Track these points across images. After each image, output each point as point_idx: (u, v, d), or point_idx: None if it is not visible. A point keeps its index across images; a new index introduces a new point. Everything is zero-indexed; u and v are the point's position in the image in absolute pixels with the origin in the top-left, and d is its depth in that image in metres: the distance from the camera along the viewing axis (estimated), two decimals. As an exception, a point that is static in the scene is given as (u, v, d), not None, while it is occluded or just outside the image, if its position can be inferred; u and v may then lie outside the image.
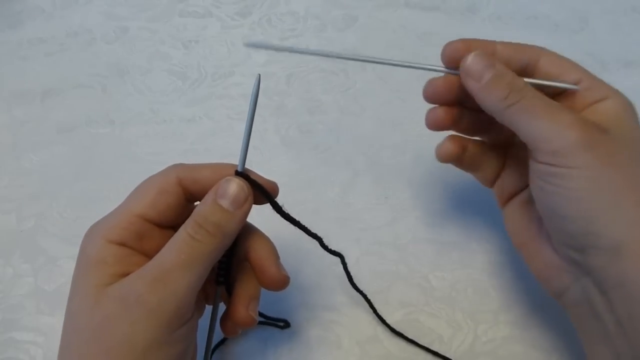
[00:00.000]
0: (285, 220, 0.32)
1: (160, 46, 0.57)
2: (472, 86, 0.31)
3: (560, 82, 0.32)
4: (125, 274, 0.28)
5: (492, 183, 0.37)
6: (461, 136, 0.36)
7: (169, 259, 0.27)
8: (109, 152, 0.50)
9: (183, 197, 0.30)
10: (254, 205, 0.31)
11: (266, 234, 0.33)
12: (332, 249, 0.35)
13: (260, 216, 0.33)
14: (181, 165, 0.31)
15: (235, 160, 0.32)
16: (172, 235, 0.29)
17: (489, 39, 0.54)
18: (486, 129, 0.37)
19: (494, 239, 0.43)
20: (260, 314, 0.36)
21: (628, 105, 0.32)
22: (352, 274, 0.38)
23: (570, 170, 0.28)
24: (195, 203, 0.32)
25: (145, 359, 0.26)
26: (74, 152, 0.50)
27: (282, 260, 0.33)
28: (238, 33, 0.58)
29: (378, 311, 0.39)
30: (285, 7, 0.60)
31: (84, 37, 0.59)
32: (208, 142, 0.50)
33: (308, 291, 0.41)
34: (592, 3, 0.59)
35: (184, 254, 0.27)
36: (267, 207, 0.32)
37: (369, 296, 0.39)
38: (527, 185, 0.35)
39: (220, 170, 0.30)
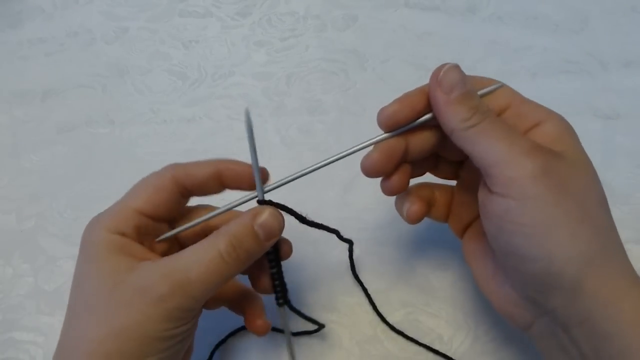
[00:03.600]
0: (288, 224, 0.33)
1: (160, 46, 0.57)
2: (440, 98, 0.29)
3: (485, 88, 0.31)
4: (132, 256, 0.30)
5: (445, 218, 0.37)
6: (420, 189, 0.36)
7: (195, 271, 0.29)
8: (109, 152, 0.50)
9: (178, 193, 0.32)
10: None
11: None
12: (337, 244, 0.37)
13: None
14: (176, 164, 0.33)
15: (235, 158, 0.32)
16: (166, 228, 0.32)
17: (489, 39, 0.54)
18: (432, 165, 0.36)
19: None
20: (300, 314, 0.37)
21: (568, 125, 0.30)
22: (352, 274, 0.38)
23: (524, 202, 0.27)
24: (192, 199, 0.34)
25: (151, 346, 0.29)
26: (74, 152, 0.50)
27: (284, 260, 0.34)
28: (238, 33, 0.58)
29: (379, 310, 0.39)
30: (285, 7, 0.60)
31: (84, 37, 0.58)
32: (208, 142, 0.50)
33: (308, 291, 0.41)
34: (592, 3, 0.59)
35: (211, 271, 0.29)
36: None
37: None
38: (478, 215, 0.34)
39: (213, 164, 0.32)
